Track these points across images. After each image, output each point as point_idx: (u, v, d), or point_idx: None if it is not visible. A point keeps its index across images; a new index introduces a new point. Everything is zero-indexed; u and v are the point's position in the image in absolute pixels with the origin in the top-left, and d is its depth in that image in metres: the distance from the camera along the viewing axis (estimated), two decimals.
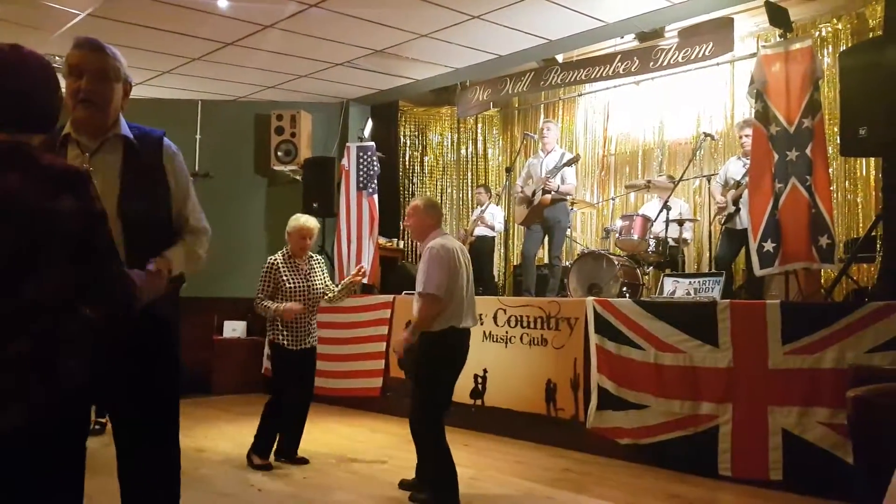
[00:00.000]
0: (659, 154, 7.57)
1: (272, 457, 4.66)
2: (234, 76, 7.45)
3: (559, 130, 7.53)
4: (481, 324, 5.56)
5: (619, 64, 6.56)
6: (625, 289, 5.86)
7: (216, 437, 5.43)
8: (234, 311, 7.64)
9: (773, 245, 4.83)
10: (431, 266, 3.67)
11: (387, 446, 5.23)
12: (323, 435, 5.51)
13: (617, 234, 6.41)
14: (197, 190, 2.41)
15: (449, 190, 9.21)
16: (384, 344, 6.55)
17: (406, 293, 6.62)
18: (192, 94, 8.04)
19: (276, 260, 4.61)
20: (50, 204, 1.60)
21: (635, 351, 4.84)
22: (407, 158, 9.15)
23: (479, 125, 9.22)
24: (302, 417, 4.74)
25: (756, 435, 4.28)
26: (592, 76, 6.82)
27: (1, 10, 5.78)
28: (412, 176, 9.15)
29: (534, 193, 6.66)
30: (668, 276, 5.52)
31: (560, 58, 6.99)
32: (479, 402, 5.74)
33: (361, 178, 7.77)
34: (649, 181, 6.76)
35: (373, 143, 7.87)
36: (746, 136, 5.77)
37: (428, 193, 8.95)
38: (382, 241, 7.96)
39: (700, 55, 6.01)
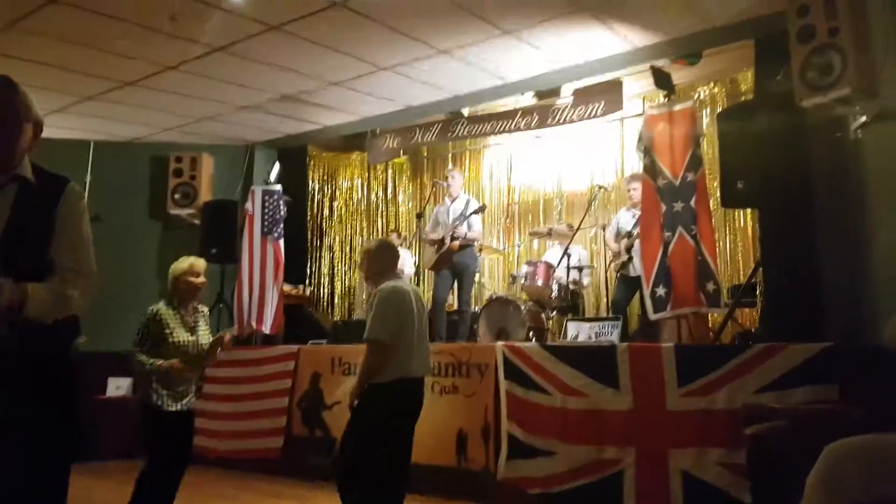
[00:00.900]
0: (558, 203, 7.90)
1: None
2: (130, 117, 7.14)
3: (463, 178, 7.72)
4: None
5: (521, 119, 6.79)
6: (531, 333, 5.91)
7: None
8: (119, 367, 6.78)
9: (665, 290, 5.01)
10: (378, 310, 3.52)
11: None
12: None
13: (523, 280, 6.53)
14: None
15: (359, 235, 9.13)
16: (286, 399, 6.20)
17: (312, 342, 6.40)
18: (84, 133, 7.60)
19: (158, 309, 4.05)
20: None
21: (542, 396, 4.79)
22: (316, 203, 9.01)
23: (390, 171, 9.23)
24: (173, 489, 4.08)
25: (658, 477, 4.27)
26: (496, 130, 7.04)
27: None
28: (321, 221, 8.99)
29: (443, 239, 6.73)
30: (571, 320, 5.62)
31: (466, 111, 7.16)
32: None
33: (266, 223, 7.47)
34: (551, 229, 6.99)
35: (279, 187, 7.70)
36: (634, 189, 6.09)
37: (338, 239, 8.80)
38: (287, 287, 7.64)
39: (593, 113, 6.29)
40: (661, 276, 5.05)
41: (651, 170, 5.26)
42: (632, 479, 4.38)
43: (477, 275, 7.05)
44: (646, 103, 6.78)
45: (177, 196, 7.71)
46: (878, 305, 3.88)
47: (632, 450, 4.42)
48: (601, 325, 5.33)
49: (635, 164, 6.91)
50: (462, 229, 6.66)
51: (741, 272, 6.57)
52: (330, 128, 7.69)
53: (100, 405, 7.00)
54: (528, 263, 6.63)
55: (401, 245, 7.86)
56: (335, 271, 9.21)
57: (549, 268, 6.45)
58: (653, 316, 5.13)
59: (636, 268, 5.89)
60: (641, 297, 5.44)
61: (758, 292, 5.58)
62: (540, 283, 6.39)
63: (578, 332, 5.35)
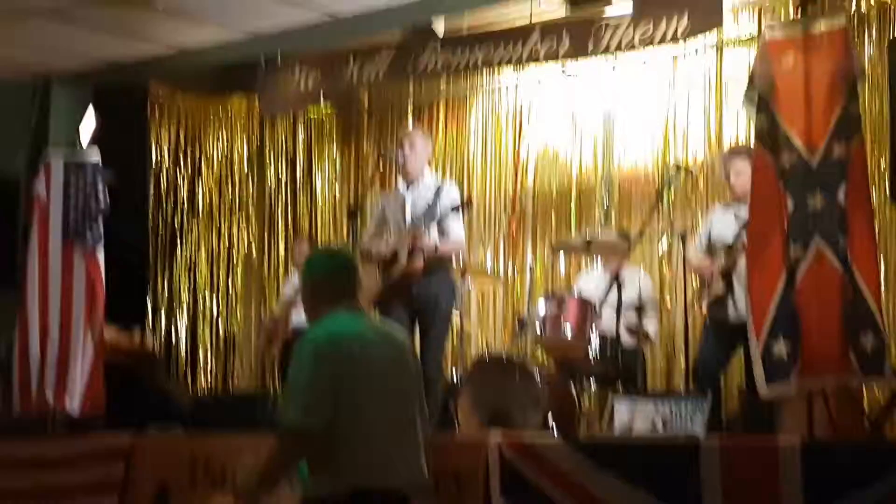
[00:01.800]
0: (604, 194, 6.38)
1: None
2: None
3: (432, 146, 6.04)
4: None
5: (540, 41, 5.53)
6: (551, 419, 5.11)
7: None
8: None
9: (789, 346, 4.26)
10: (292, 372, 2.79)
11: None
12: None
13: (539, 327, 5.44)
14: None
15: (243, 241, 7.44)
16: None
17: (157, 429, 5.19)
18: None
19: None
20: None
21: None
22: (165, 184, 7.16)
23: (301, 131, 7.40)
24: None
25: None
26: (495, 61, 5.75)
27: None
28: (174, 216, 7.12)
29: (394, 253, 5.22)
30: (622, 396, 4.92)
31: (440, 25, 5.75)
32: None
33: (74, 219, 5.72)
34: (589, 239, 5.55)
35: (97, 156, 5.84)
36: (738, 171, 5.14)
37: (205, 247, 7.11)
38: (113, 333, 6.02)
39: (668, 35, 5.24)
40: (783, 321, 4.28)
41: (769, 138, 4.37)
42: None
43: (456, 315, 5.63)
44: (763, 20, 5.68)
45: None
46: None
47: None
48: (674, 404, 4.57)
49: (741, 130, 5.82)
50: (430, 237, 5.30)
51: None
52: (191, 51, 6.30)
53: None
54: (549, 298, 5.57)
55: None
56: (200, 305, 7.42)
57: (586, 306, 5.43)
58: (765, 391, 4.40)
59: (738, 307, 5.03)
60: (747, 358, 4.77)
61: None
62: (569, 331, 5.39)
63: (634, 416, 4.70)
